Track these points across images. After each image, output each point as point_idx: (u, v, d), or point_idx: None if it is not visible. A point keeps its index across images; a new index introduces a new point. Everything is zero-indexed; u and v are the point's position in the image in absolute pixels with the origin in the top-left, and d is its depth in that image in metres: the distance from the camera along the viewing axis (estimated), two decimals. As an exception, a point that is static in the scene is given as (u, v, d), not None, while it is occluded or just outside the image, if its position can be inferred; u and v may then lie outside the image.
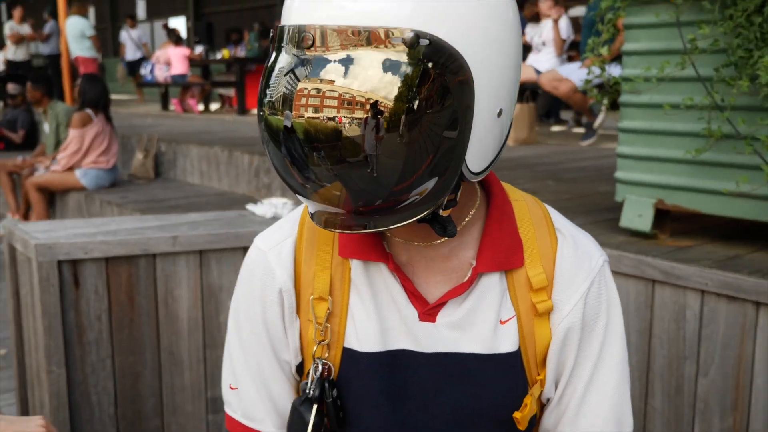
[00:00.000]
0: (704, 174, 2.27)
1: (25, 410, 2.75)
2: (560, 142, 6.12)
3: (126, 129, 7.54)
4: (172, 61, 11.45)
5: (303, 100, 0.80)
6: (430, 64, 0.80)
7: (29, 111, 8.73)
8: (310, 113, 0.80)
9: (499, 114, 0.89)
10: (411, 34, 0.79)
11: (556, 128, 7.47)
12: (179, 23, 18.96)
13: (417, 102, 0.79)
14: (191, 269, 2.61)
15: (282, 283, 1.03)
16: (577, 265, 1.01)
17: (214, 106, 12.39)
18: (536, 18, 6.36)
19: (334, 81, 0.79)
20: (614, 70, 2.96)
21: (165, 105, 11.62)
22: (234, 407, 1.09)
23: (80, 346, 2.50)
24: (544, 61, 5.88)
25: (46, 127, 6.98)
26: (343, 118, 0.79)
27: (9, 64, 12.68)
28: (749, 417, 2.03)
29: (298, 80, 0.81)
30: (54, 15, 13.06)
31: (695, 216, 2.53)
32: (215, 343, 2.67)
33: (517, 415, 1.00)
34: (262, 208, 2.89)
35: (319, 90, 0.80)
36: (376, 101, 0.78)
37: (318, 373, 1.00)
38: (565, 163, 4.70)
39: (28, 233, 2.50)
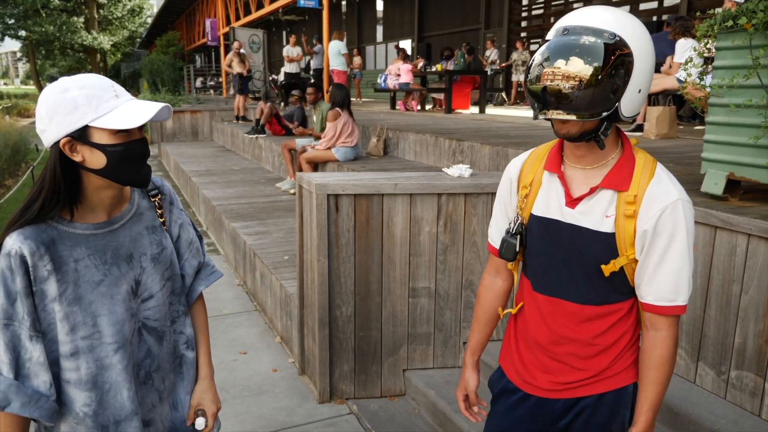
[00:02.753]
0: (762, 154, 2.50)
1: (302, 287, 3.55)
2: (696, 137, 6.04)
3: (365, 122, 8.40)
4: (400, 73, 12.23)
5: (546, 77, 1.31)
6: (617, 52, 1.28)
7: (302, 108, 9.90)
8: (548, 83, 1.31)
9: (639, 91, 1.34)
10: (614, 33, 1.28)
11: (699, 127, 7.25)
12: (406, 44, 19.88)
13: (598, 74, 1.27)
14: (404, 205, 3.20)
15: (512, 175, 1.60)
16: (656, 196, 1.36)
17: (428, 106, 13.06)
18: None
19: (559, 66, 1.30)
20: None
21: (393, 105, 12.46)
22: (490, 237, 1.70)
23: (337, 246, 3.19)
24: (693, 75, 5.83)
25: (314, 118, 8.05)
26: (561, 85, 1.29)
27: (286, 75, 14.24)
28: (775, 322, 2.29)
29: (543, 67, 1.32)
30: (320, 40, 14.45)
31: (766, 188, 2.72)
32: (416, 252, 3.26)
33: (602, 266, 1.42)
34: (452, 170, 3.44)
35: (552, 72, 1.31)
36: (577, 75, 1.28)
37: (518, 222, 1.54)
38: (691, 153, 4.77)
39: (311, 178, 3.26)
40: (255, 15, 19.78)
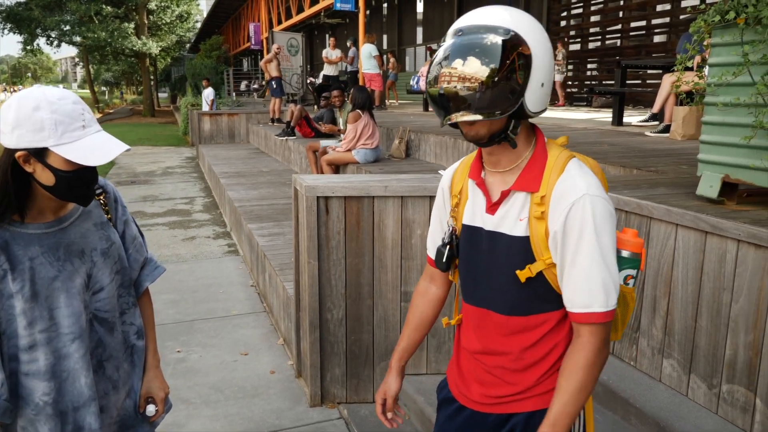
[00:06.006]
0: (756, 155, 2.36)
1: (298, 289, 3.55)
2: (728, 139, 5.77)
3: (392, 123, 8.39)
4: (433, 75, 12.13)
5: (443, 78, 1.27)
6: (513, 48, 1.24)
7: (332, 111, 9.96)
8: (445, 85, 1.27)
9: (542, 85, 1.29)
10: (509, 29, 1.26)
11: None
12: (445, 45, 19.74)
13: (496, 73, 1.23)
14: (395, 208, 3.16)
15: (444, 185, 1.57)
16: (562, 193, 1.29)
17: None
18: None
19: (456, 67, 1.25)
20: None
21: (426, 107, 12.41)
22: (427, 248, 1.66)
23: (327, 249, 3.18)
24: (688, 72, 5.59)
25: (340, 121, 8.11)
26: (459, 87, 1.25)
27: (324, 77, 14.35)
28: (764, 334, 2.15)
29: (441, 67, 1.27)
30: (355, 43, 14.52)
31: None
32: (408, 255, 3.22)
33: (517, 272, 1.36)
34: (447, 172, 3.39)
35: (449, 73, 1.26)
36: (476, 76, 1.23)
37: (449, 231, 1.51)
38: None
39: (303, 180, 3.27)
40: (296, 19, 20.03)
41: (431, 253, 1.63)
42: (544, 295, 1.39)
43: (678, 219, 2.47)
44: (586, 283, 1.29)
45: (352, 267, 3.23)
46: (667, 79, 6.03)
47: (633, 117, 8.09)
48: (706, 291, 2.38)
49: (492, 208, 1.40)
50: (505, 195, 1.38)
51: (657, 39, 12.39)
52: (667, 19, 11.98)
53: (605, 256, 1.28)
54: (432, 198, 3.18)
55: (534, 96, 1.29)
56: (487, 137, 1.32)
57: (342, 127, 8.09)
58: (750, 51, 2.22)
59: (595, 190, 1.30)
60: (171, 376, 3.76)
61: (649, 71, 11.68)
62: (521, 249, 1.36)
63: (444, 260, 1.51)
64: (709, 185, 2.58)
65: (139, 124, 27.32)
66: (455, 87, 1.25)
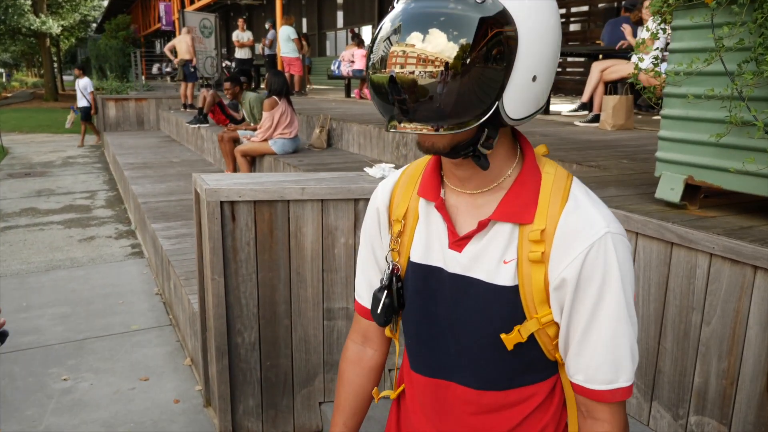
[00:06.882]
0: (726, 155, 2.07)
1: (203, 307, 3.04)
2: (655, 128, 5.66)
3: (313, 111, 7.87)
4: (355, 59, 11.69)
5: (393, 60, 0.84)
6: (493, 26, 0.82)
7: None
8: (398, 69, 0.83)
9: (534, 79, 0.88)
10: None
11: (658, 117, 6.89)
12: (367, 30, 19.26)
13: (467, 56, 0.81)
14: (315, 213, 2.73)
15: (379, 204, 1.12)
16: (575, 230, 0.92)
17: (385, 94, 12.53)
18: (640, 22, 5.88)
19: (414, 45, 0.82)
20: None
21: (348, 93, 11.94)
22: (356, 291, 1.22)
23: (234, 262, 2.70)
24: (646, 60, 5.44)
25: (243, 112, 7.54)
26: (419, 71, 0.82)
27: (237, 61, 13.59)
28: (741, 361, 1.88)
29: (391, 43, 0.84)
30: (274, 25, 13.80)
31: (732, 192, 2.28)
32: (331, 267, 2.80)
33: (503, 336, 0.97)
34: (374, 171, 2.96)
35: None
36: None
37: (389, 270, 1.08)
38: (648, 146, 4.38)
39: (204, 181, 2.76)
40: (209, -2, 18.95)
41: (362, 299, 1.18)
42: (533, 363, 1.01)
43: (639, 227, 2.16)
44: (612, 352, 0.93)
45: (266, 283, 2.75)
46: (596, 67, 5.85)
47: (556, 105, 7.96)
48: (672, 310, 2.08)
49: (459, 243, 0.99)
50: (482, 226, 0.96)
51: (573, 27, 12.42)
52: (585, 8, 12.01)
53: (630, 312, 0.93)
54: (359, 202, 2.76)
55: (517, 95, 0.87)
56: (449, 149, 0.90)
57: (248, 119, 7.47)
58: (725, 35, 1.90)
59: (615, 225, 0.93)
60: (53, 413, 3.16)
61: (569, 59, 11.69)
62: (506, 303, 0.96)
63: (380, 310, 1.07)
64: (670, 188, 2.28)
65: (39, 109, 25.21)
66: (412, 73, 0.82)
